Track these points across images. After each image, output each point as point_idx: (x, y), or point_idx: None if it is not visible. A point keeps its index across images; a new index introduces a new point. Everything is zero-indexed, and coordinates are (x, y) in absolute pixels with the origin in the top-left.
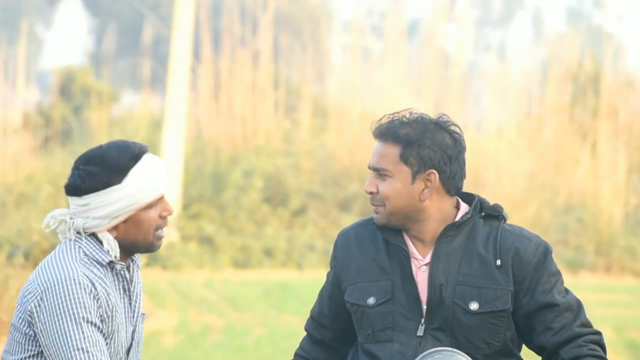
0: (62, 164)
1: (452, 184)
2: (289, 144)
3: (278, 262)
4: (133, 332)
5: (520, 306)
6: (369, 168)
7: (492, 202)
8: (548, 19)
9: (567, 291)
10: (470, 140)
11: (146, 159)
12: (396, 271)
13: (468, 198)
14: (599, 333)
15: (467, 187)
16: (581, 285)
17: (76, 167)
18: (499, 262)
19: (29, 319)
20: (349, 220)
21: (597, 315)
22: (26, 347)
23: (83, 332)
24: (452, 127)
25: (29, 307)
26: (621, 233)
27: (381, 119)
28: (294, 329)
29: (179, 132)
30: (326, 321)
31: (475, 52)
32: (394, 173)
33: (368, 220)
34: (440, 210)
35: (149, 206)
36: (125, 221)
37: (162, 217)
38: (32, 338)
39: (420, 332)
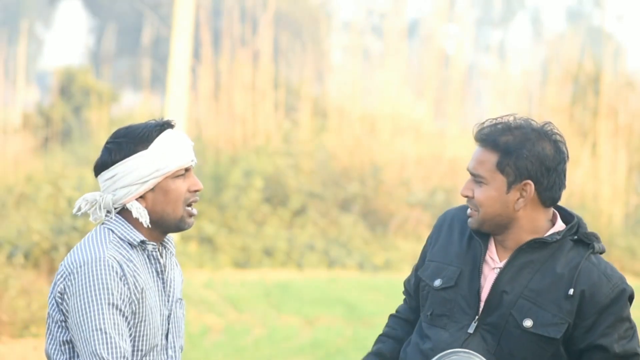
0: (62, 164)
1: (548, 195)
2: (289, 144)
3: (278, 262)
4: (169, 316)
5: (575, 341)
6: (468, 171)
7: None
8: (548, 19)
9: (631, 339)
10: (470, 140)
11: (172, 131)
12: (468, 263)
13: (569, 217)
14: None
15: None
16: None
17: (105, 145)
18: (571, 291)
19: (60, 300)
20: (349, 220)
21: None
22: (57, 334)
23: (103, 314)
24: (555, 137)
25: (59, 289)
26: (621, 233)
27: (484, 122)
28: (294, 329)
29: None
30: (411, 290)
31: (475, 52)
32: (489, 181)
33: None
34: (532, 221)
35: (176, 175)
36: (153, 190)
37: (191, 192)
38: (60, 325)
39: (471, 329)
